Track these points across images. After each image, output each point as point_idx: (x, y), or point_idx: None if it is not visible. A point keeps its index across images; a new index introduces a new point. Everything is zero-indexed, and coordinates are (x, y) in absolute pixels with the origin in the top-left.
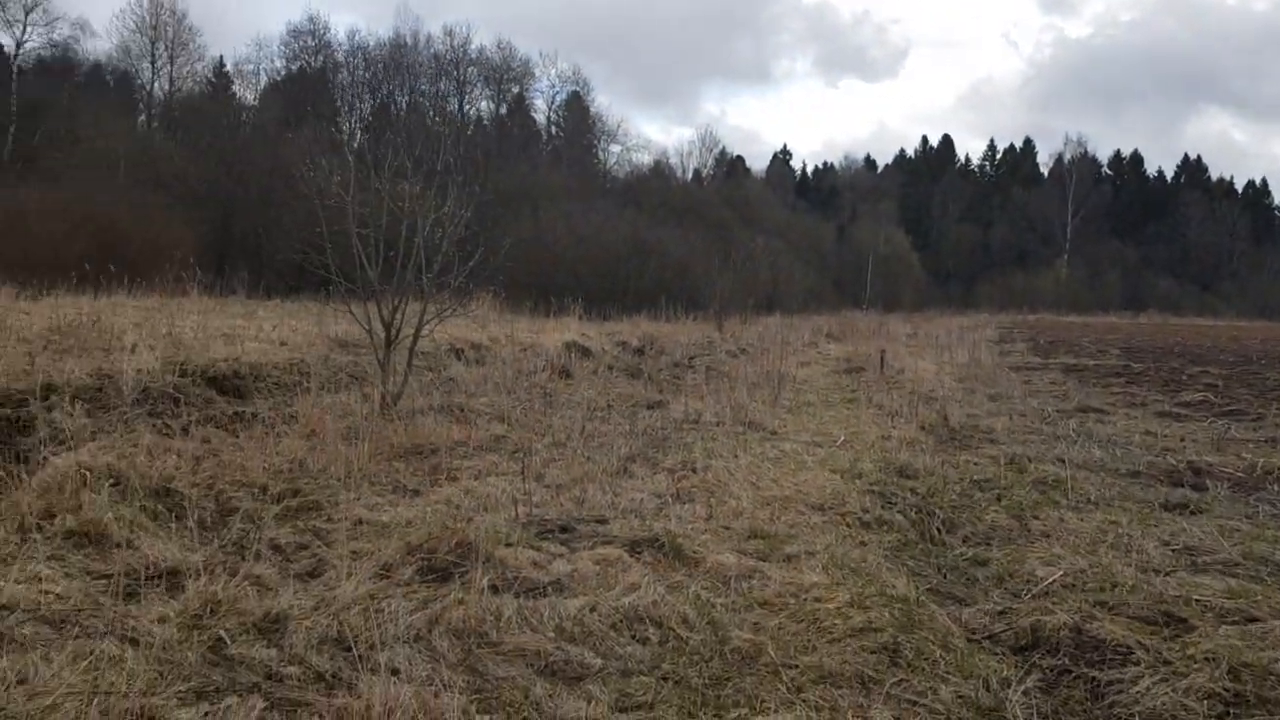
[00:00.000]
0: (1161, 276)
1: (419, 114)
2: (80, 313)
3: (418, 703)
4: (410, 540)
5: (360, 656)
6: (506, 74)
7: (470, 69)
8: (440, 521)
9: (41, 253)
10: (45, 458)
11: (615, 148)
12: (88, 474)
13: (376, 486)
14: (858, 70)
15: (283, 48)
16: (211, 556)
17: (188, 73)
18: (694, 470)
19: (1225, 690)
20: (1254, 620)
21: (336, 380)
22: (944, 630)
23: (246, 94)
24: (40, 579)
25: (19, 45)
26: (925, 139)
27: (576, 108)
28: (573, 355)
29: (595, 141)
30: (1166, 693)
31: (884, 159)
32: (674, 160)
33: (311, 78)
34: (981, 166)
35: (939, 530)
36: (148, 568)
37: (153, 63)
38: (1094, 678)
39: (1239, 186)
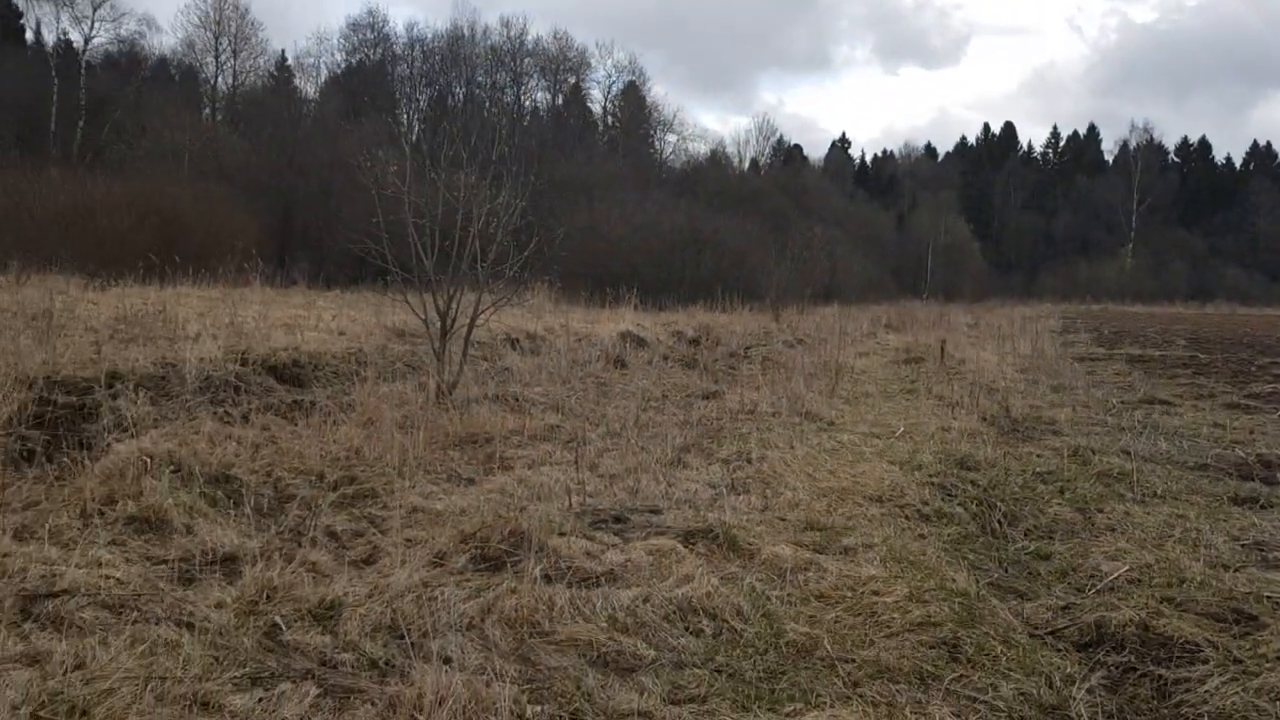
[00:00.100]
0: (1229, 266)
1: (476, 105)
2: (146, 302)
3: (469, 692)
4: (464, 529)
5: (413, 644)
6: (563, 64)
7: (527, 60)
8: (494, 510)
9: (109, 244)
10: (108, 445)
11: (671, 137)
12: (149, 460)
13: (431, 475)
14: (918, 57)
15: (342, 41)
16: (268, 543)
17: (250, 67)
18: (749, 461)
19: None
20: None
21: (393, 370)
22: (1005, 625)
23: (307, 87)
24: (101, 564)
25: (87, 41)
26: (987, 126)
27: (633, 98)
28: (628, 345)
29: (651, 131)
30: (1237, 692)
31: (944, 147)
32: (731, 149)
33: (370, 71)
34: (1044, 154)
35: (1000, 523)
36: (206, 553)
37: (216, 57)
38: (1161, 676)
39: None
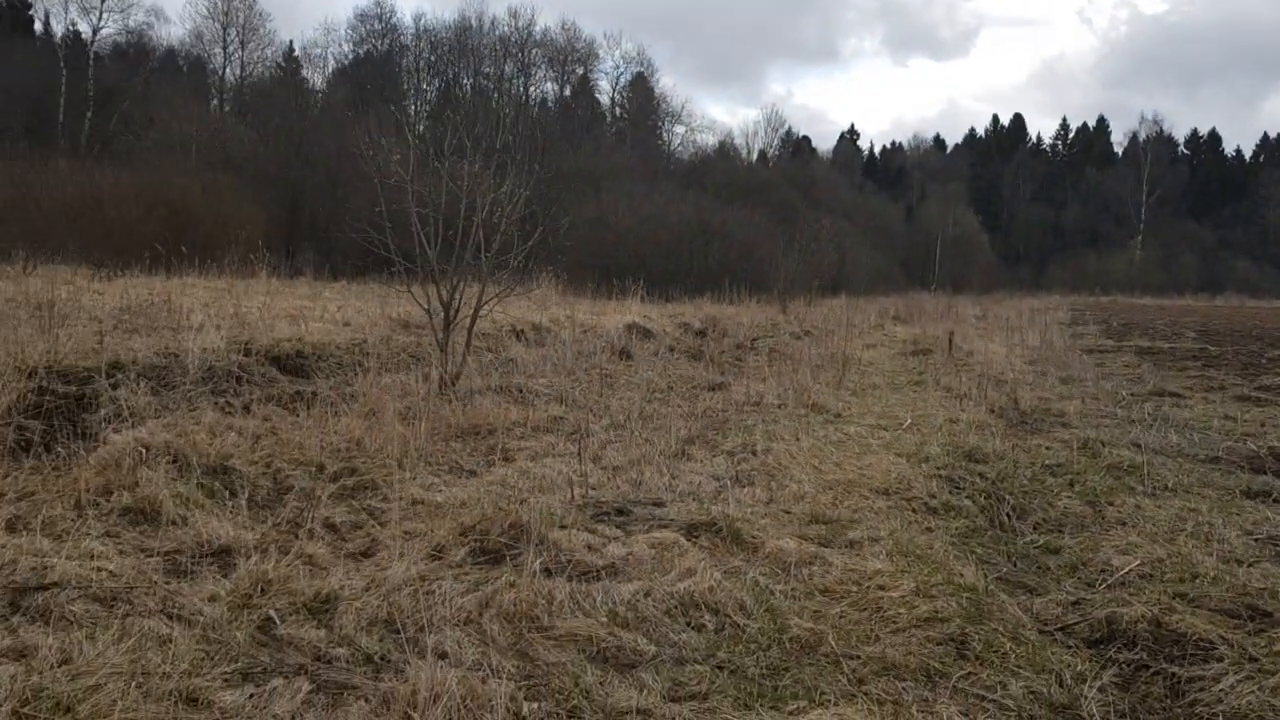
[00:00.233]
0: (1239, 258)
1: (483, 96)
2: (152, 293)
3: (464, 688)
4: (464, 521)
5: (409, 639)
6: (571, 55)
7: (534, 51)
8: (494, 503)
9: (116, 234)
10: (106, 435)
11: (679, 129)
12: (145, 451)
13: (433, 466)
14: (927, 49)
15: (350, 32)
16: (265, 535)
17: (258, 58)
18: (754, 453)
19: None
20: None
21: (397, 361)
22: (1014, 621)
23: (315, 78)
24: (93, 556)
25: (95, 32)
26: (996, 118)
27: (641, 89)
28: (633, 336)
29: (659, 123)
30: (1253, 691)
31: (953, 138)
32: (739, 141)
33: (378, 61)
34: (1054, 146)
35: (1009, 517)
36: (201, 545)
37: (224, 48)
38: (1174, 674)
39: None
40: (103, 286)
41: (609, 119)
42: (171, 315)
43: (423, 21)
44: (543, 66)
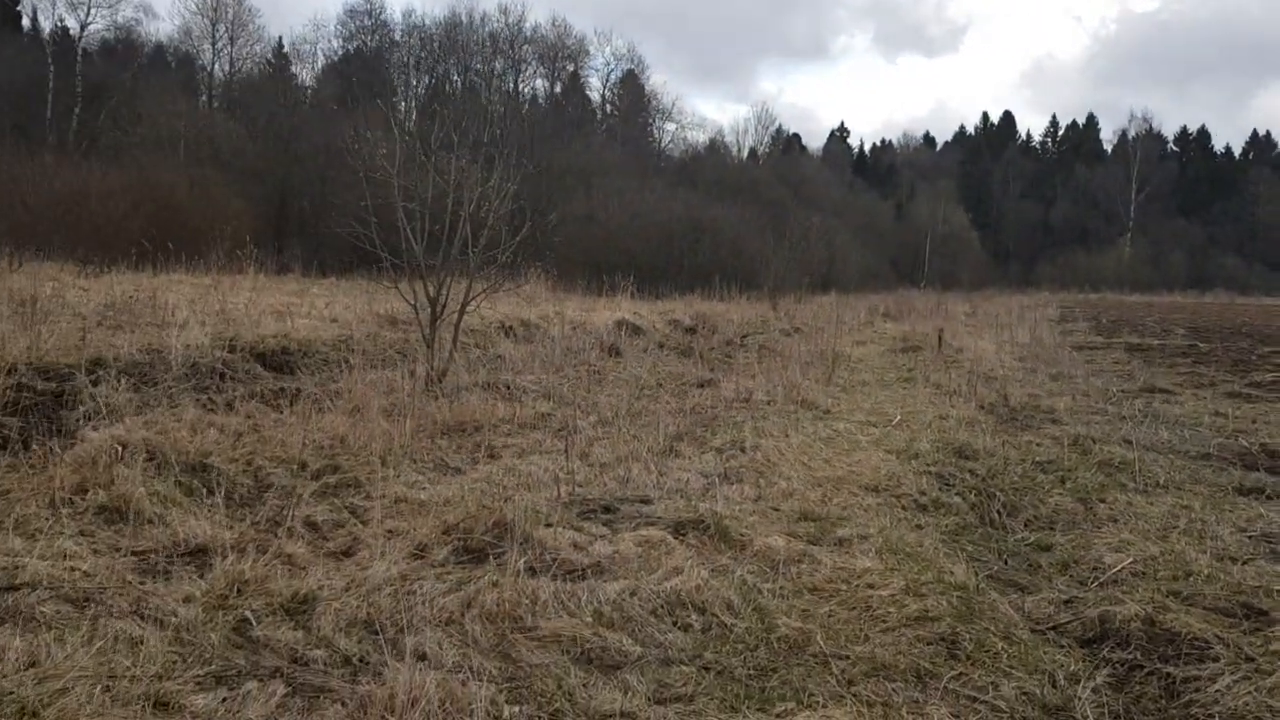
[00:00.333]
0: (1228, 255)
1: (474, 92)
2: (138, 289)
3: (443, 691)
4: (447, 519)
5: (388, 641)
6: (561, 52)
7: (525, 47)
8: (478, 500)
9: (103, 230)
10: (84, 433)
11: (670, 126)
12: (122, 448)
13: (418, 464)
14: (917, 46)
15: (339, 28)
16: (243, 534)
17: (247, 54)
18: (743, 450)
19: None
20: None
21: (384, 357)
22: (1006, 620)
23: (304, 74)
24: (66, 555)
25: (83, 28)
26: (986, 115)
27: (631, 86)
28: (623, 333)
29: (650, 120)
30: (1249, 692)
31: (943, 136)
32: (729, 138)
33: (368, 57)
34: (1043, 143)
35: (999, 514)
36: (177, 544)
37: (213, 44)
38: (1169, 674)
39: None
40: (88, 283)
41: (600, 116)
42: (156, 312)
43: (412, 17)
44: (533, 63)
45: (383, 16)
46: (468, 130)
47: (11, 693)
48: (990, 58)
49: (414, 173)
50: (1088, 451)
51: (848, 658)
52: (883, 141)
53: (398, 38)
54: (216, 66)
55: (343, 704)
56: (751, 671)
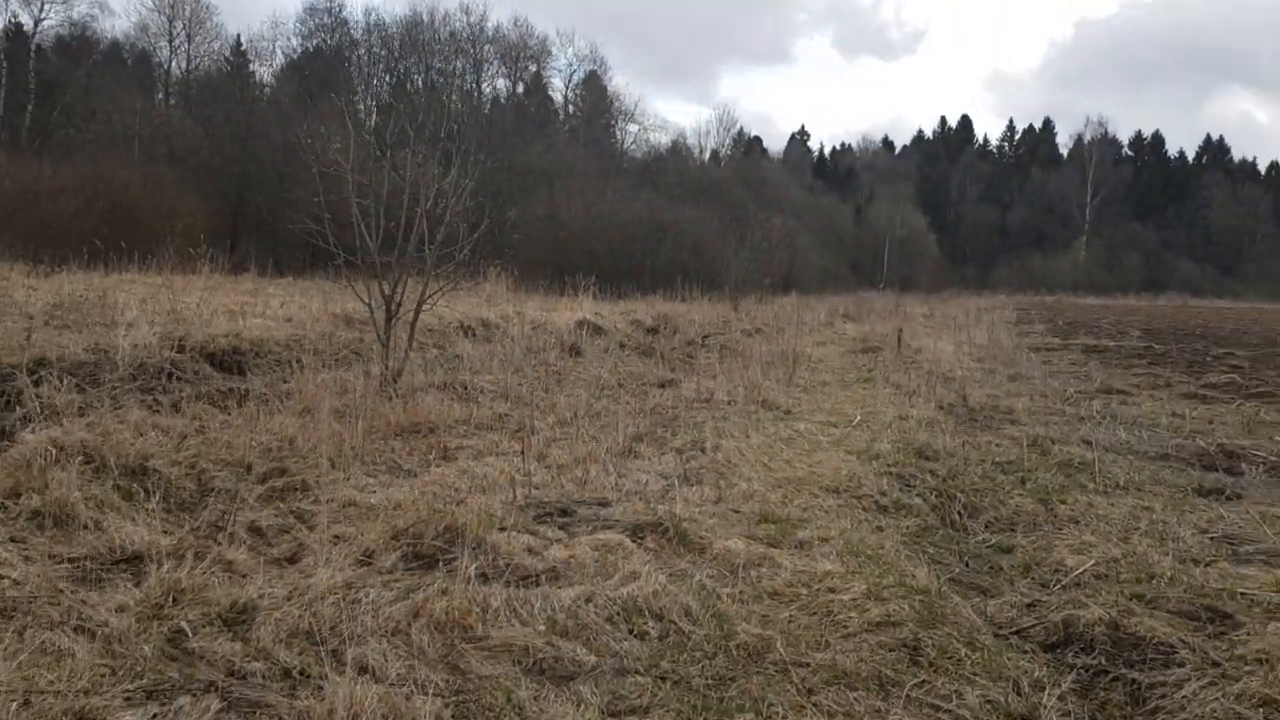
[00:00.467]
0: (1181, 259)
1: (435, 91)
2: (88, 288)
3: (386, 706)
4: (396, 524)
5: (331, 652)
6: (523, 52)
7: (487, 47)
8: (429, 504)
9: (54, 228)
10: (22, 434)
11: (632, 127)
12: (58, 451)
13: (369, 466)
14: (876, 50)
15: (299, 25)
16: (183, 540)
17: (205, 51)
18: (704, 450)
19: None
20: None
21: (339, 357)
22: (969, 625)
23: (263, 72)
24: None
25: (37, 23)
26: (944, 119)
27: (594, 87)
28: (584, 333)
29: (612, 121)
30: (1216, 698)
31: (902, 140)
32: (691, 140)
33: (328, 56)
34: (1000, 147)
35: (960, 515)
36: (113, 551)
37: (170, 41)
38: (1134, 680)
39: (1261, 168)
40: (37, 282)
41: (562, 116)
42: (105, 311)
43: (373, 15)
44: (495, 63)
45: (343, 15)
46: (425, 126)
47: None
48: (948, 62)
49: (370, 169)
50: (1047, 452)
51: (808, 665)
52: (842, 145)
53: (358, 36)
54: (173, 64)
55: (280, 719)
56: (709, 681)
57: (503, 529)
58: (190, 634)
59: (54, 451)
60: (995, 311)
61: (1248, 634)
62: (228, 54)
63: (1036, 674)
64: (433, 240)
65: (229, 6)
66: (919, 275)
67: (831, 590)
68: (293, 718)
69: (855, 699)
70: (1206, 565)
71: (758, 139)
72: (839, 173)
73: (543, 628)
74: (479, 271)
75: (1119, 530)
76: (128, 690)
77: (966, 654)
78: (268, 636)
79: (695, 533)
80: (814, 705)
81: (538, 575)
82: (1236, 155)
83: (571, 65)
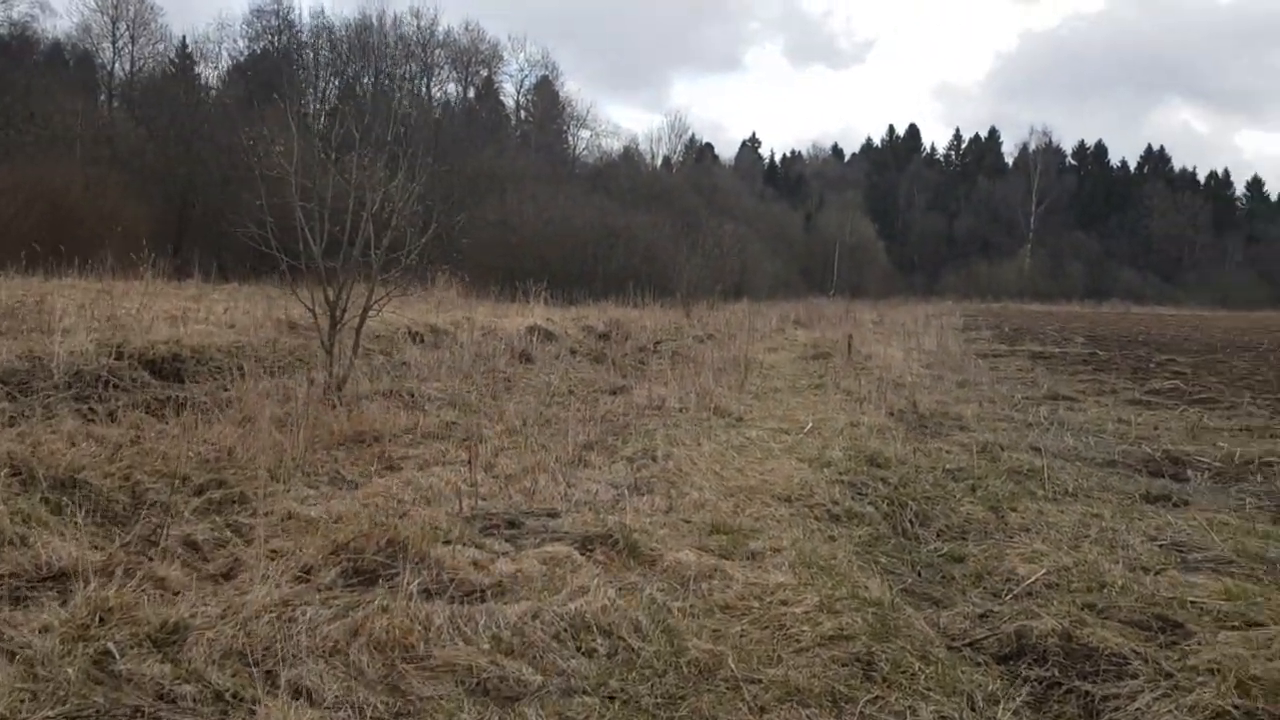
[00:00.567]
0: (1124, 267)
1: (385, 95)
2: (26, 293)
3: None
4: (337, 538)
5: (265, 674)
6: (475, 57)
7: (438, 51)
8: (371, 517)
9: None
10: None
11: (585, 133)
12: None
13: (310, 478)
14: (827, 59)
15: (245, 28)
16: (113, 556)
17: (149, 53)
18: (655, 459)
19: (1235, 708)
20: (1255, 625)
21: (283, 364)
22: (922, 637)
23: (209, 74)
24: None
25: None
26: (892, 128)
27: (546, 92)
28: (535, 339)
29: (565, 127)
30: (1169, 710)
31: (851, 148)
32: (643, 147)
33: (275, 59)
34: (947, 156)
35: (912, 523)
36: (39, 568)
37: (114, 42)
38: (1087, 692)
39: (1201, 178)
40: None
41: (514, 122)
42: (42, 317)
43: (321, 18)
44: (446, 67)
45: (290, 17)
46: (371, 128)
47: None
48: (897, 71)
49: (315, 173)
50: (997, 459)
51: (760, 681)
52: (793, 152)
53: (306, 39)
54: (117, 65)
55: None
56: (659, 700)
57: (447, 542)
58: (118, 655)
59: None
60: (943, 318)
61: (1199, 644)
62: (172, 56)
63: (990, 688)
64: (379, 245)
65: (174, 7)
66: (868, 282)
67: (784, 603)
68: None
69: (808, 716)
70: (1156, 573)
71: (709, 146)
72: (789, 180)
73: (487, 646)
74: (428, 277)
75: (1069, 538)
76: (49, 716)
77: (920, 668)
78: (199, 657)
79: (646, 544)
80: None
81: (483, 591)
82: (1177, 165)
83: (523, 70)
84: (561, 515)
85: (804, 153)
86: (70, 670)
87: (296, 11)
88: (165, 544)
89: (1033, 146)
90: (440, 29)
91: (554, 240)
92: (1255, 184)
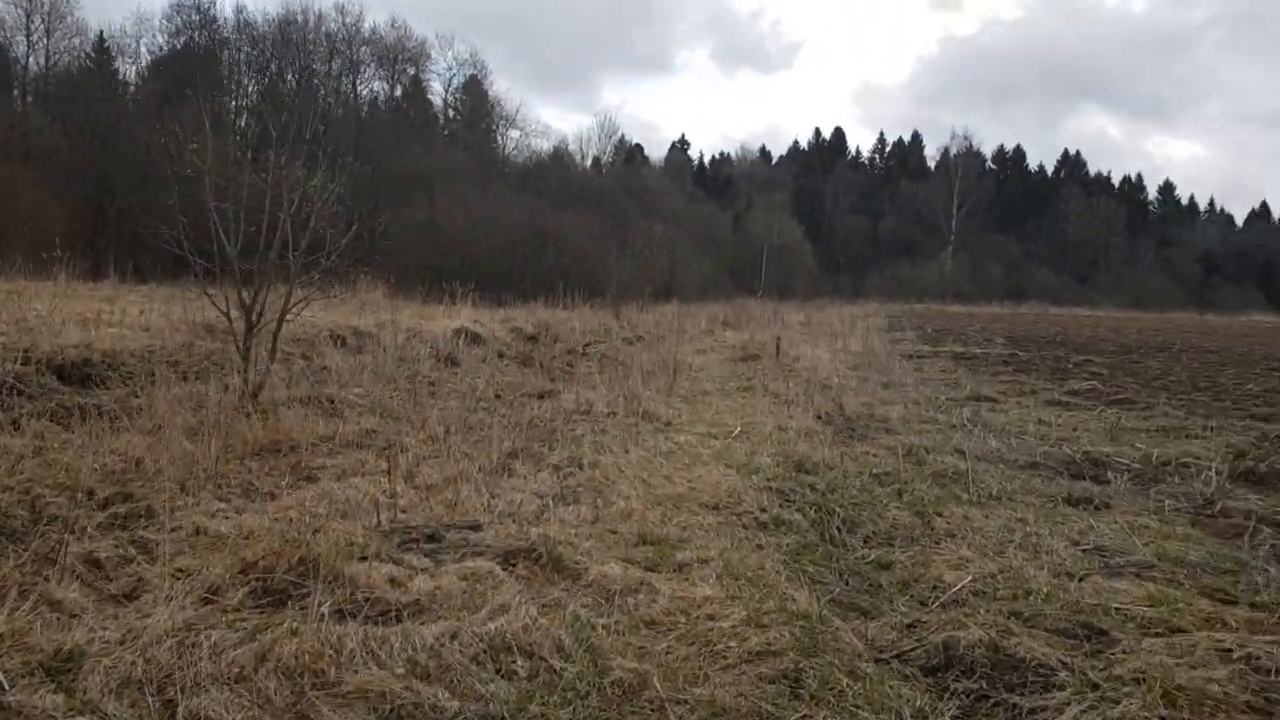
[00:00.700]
0: (1041, 268)
1: (309, 92)
2: None
3: None
4: (246, 556)
5: (166, 703)
6: (401, 55)
7: (363, 48)
8: (283, 533)
9: None
10: None
11: (514, 133)
12: None
13: (222, 490)
14: (754, 62)
15: (165, 22)
16: (7, 576)
17: (65, 47)
18: (581, 466)
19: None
20: (1178, 631)
21: (199, 369)
22: (850, 651)
23: (128, 70)
24: None
25: None
26: (818, 131)
27: (474, 91)
28: (462, 342)
29: (494, 126)
30: None
31: (779, 150)
32: (573, 147)
33: (196, 54)
34: (872, 159)
35: (839, 530)
36: None
37: (28, 36)
38: (1015, 704)
39: (1115, 181)
40: None
41: (442, 121)
42: None
43: (244, 14)
44: (372, 65)
45: (211, 12)
46: (290, 126)
47: None
48: (823, 74)
49: (232, 171)
50: (922, 462)
51: (686, 702)
52: (721, 154)
53: (227, 34)
54: (31, 60)
55: None
56: None
57: (363, 559)
58: (6, 686)
59: None
60: (868, 319)
61: (1124, 652)
62: (89, 50)
63: (919, 702)
64: (297, 246)
65: (91, 1)
66: (796, 283)
67: (710, 617)
68: None
69: None
70: (1080, 580)
71: (639, 147)
72: (718, 181)
73: (402, 670)
74: (351, 278)
75: (994, 544)
76: None
77: (849, 684)
78: (96, 687)
79: (570, 557)
80: None
81: (400, 610)
82: (1092, 169)
83: (451, 69)
84: (484, 528)
85: (733, 154)
86: None
87: (218, 7)
88: (64, 563)
89: (954, 150)
90: (366, 25)
91: (482, 241)
92: (1167, 188)
